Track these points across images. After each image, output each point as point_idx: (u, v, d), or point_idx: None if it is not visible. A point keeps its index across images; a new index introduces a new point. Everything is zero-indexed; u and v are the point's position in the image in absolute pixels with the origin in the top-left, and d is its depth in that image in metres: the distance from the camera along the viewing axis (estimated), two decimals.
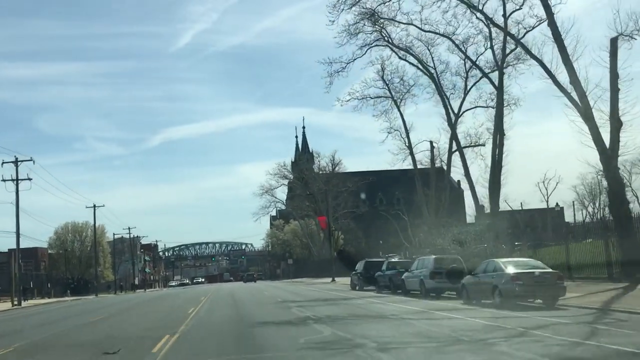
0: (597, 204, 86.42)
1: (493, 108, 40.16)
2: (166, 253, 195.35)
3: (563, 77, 26.28)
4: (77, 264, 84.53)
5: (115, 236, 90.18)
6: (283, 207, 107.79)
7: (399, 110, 47.89)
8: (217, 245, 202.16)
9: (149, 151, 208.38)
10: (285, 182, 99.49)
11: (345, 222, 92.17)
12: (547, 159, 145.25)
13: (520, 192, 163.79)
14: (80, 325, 21.43)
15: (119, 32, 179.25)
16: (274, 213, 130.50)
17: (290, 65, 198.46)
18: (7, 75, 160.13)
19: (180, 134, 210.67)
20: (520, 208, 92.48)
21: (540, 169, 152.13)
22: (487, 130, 42.62)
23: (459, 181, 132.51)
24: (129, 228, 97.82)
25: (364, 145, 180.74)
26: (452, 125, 45.09)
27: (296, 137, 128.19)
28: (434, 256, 25.43)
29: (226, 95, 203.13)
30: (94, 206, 72.72)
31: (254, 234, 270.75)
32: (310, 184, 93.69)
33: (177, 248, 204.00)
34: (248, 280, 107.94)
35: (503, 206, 55.14)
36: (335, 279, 57.59)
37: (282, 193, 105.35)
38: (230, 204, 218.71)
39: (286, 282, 73.21)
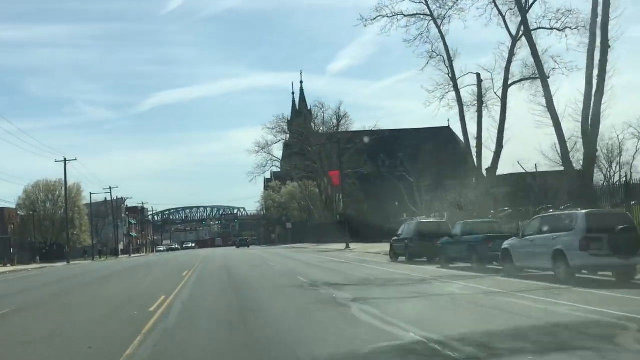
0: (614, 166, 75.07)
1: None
2: (155, 217, 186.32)
3: None
4: (50, 227, 73.54)
5: (93, 195, 78.89)
6: (279, 168, 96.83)
7: (439, 31, 36.81)
8: (208, 209, 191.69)
9: (139, 115, 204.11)
10: (285, 137, 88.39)
11: (350, 182, 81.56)
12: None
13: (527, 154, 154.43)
14: None
15: None
16: (269, 175, 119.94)
17: (283, 29, 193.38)
18: None
19: (171, 98, 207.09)
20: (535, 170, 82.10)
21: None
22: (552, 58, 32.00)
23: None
24: (109, 188, 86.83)
25: (359, 111, 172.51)
26: (512, 49, 34.27)
27: (292, 94, 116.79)
28: (583, 211, 14.44)
29: (218, 59, 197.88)
30: (65, 160, 61.48)
31: (247, 196, 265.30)
32: (311, 142, 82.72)
33: (167, 212, 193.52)
34: (241, 245, 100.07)
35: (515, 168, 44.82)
36: (350, 244, 47.18)
37: (279, 151, 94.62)
38: (222, 169, 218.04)
39: (287, 248, 62.85)
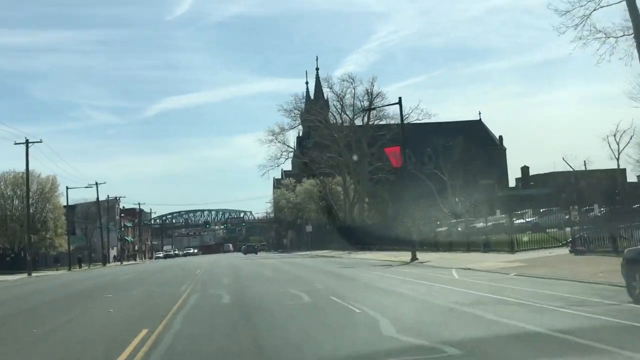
0: None
1: None
2: (156, 220, 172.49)
3: None
4: (18, 229, 58.70)
5: (81, 194, 64.26)
6: (293, 160, 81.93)
7: None
8: (212, 212, 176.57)
9: (144, 121, 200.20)
10: (300, 126, 73.74)
11: (381, 176, 66.83)
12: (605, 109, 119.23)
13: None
14: None
15: (115, 0, 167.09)
16: (279, 174, 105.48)
17: (288, 35, 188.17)
18: (1, 43, 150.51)
19: (176, 103, 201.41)
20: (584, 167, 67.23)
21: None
22: None
23: (500, 137, 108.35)
24: (96, 184, 72.23)
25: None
26: None
27: (306, 83, 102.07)
28: None
29: (223, 64, 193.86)
30: (27, 142, 46.68)
31: (255, 198, 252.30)
32: (331, 132, 68.03)
33: (169, 215, 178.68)
34: (248, 251, 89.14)
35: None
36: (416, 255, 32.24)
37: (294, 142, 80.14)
38: (226, 175, 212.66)
39: (311, 257, 48.11)
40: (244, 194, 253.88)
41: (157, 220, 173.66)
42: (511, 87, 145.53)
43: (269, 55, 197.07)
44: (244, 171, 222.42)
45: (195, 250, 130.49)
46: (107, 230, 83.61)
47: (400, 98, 29.71)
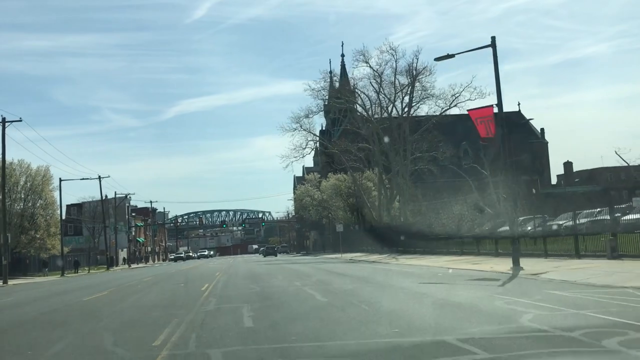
0: None
1: None
2: (172, 221, 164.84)
3: None
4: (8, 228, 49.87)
5: (71, 185, 55.46)
6: (323, 149, 72.63)
7: None
8: (230, 212, 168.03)
9: (163, 123, 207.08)
10: (329, 104, 64.65)
11: (424, 167, 57.58)
12: None
13: None
14: None
15: (135, 4, 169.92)
16: (307, 164, 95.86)
17: (306, 38, 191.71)
18: (25, 47, 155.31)
19: (194, 106, 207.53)
20: None
21: None
22: None
23: (542, 129, 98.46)
24: (99, 177, 63.62)
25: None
26: None
27: (330, 73, 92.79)
28: None
29: (241, 67, 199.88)
30: (3, 121, 37.85)
31: (274, 198, 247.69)
32: (363, 115, 58.95)
33: (185, 216, 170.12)
34: (268, 253, 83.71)
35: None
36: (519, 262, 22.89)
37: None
38: (244, 177, 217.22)
39: (347, 262, 38.91)
40: (262, 194, 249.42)
41: (173, 221, 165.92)
42: (530, 89, 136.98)
43: (286, 58, 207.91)
44: (262, 173, 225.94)
45: (212, 253, 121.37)
46: (115, 230, 75.13)
47: (493, 38, 20.38)
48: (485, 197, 49.18)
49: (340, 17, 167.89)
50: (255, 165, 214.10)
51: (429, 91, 51.62)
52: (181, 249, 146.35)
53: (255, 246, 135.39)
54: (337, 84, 77.33)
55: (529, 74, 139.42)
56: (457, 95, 50.92)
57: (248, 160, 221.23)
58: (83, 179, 60.63)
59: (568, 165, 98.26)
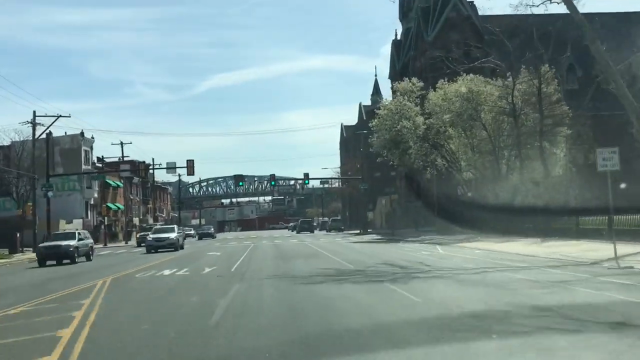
0: None
1: None
2: (190, 190, 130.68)
3: None
4: None
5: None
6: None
7: None
8: (256, 179, 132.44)
9: (196, 97, 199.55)
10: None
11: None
12: None
13: None
14: None
15: None
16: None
17: (339, 13, 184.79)
18: (61, 21, 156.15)
19: (227, 80, 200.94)
20: None
21: None
22: None
23: None
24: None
25: None
26: None
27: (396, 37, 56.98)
28: None
29: (273, 41, 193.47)
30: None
31: (311, 162, 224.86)
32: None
33: (204, 183, 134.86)
34: (302, 229, 63.46)
35: None
36: None
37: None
38: (275, 150, 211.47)
39: None
40: (297, 167, 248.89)
41: (192, 190, 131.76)
42: None
43: (320, 32, 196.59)
44: (294, 148, 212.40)
45: (226, 228, 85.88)
46: (33, 184, 40.55)
47: None
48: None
49: None
50: (288, 139, 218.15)
51: None
52: (193, 222, 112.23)
53: (303, 222, 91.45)
54: None
55: None
56: None
57: (280, 133, 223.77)
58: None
59: None
